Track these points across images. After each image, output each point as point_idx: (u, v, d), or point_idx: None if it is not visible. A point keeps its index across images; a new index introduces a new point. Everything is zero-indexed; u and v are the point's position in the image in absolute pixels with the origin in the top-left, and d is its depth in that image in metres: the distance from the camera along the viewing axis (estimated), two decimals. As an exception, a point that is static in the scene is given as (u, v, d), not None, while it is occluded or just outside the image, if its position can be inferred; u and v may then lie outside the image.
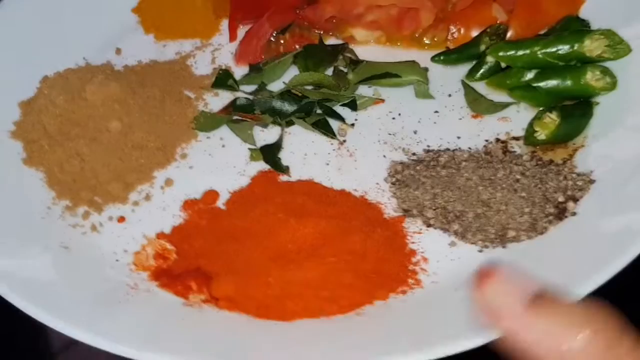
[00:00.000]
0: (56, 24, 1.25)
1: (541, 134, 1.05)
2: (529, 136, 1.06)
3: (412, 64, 1.14)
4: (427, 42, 1.21)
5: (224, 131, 1.13)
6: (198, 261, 0.98)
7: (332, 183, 1.06)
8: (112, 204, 1.06)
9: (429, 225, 1.00)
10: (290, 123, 1.13)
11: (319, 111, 1.13)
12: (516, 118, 1.11)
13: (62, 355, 1.05)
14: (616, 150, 1.01)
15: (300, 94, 1.13)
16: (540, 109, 1.08)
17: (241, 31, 1.25)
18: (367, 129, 1.12)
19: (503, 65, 1.13)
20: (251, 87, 1.18)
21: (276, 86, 1.16)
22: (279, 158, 1.09)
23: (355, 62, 1.16)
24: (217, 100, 1.17)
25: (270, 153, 1.09)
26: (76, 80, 1.14)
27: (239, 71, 1.20)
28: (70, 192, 1.07)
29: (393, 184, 1.05)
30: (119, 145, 1.09)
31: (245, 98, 1.15)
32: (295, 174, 1.08)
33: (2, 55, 1.19)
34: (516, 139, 1.08)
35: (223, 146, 1.12)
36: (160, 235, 1.02)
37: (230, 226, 1.01)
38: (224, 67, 1.21)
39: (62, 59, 1.21)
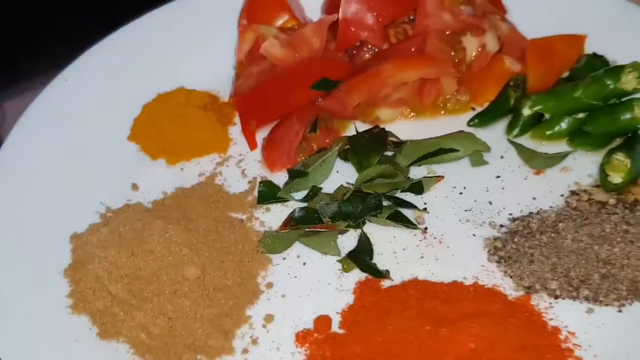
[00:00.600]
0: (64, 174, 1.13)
1: (616, 177, 1.06)
2: (605, 183, 1.06)
3: (465, 134, 1.11)
4: (450, 107, 1.18)
5: (297, 248, 1.05)
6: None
7: (438, 276, 1.01)
8: (219, 358, 0.95)
9: (556, 297, 0.97)
10: (363, 223, 1.06)
11: (386, 203, 1.06)
12: (575, 166, 1.10)
13: None
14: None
15: (361, 191, 1.07)
16: (605, 152, 1.09)
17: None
18: (442, 210, 1.08)
19: (544, 115, 1.14)
20: (299, 193, 1.10)
21: (328, 186, 1.11)
22: (374, 263, 1.02)
23: (398, 144, 1.12)
24: (270, 215, 1.09)
25: (362, 260, 1.02)
26: (128, 232, 1.02)
27: (275, 179, 1.13)
28: (168, 358, 0.95)
29: (499, 262, 1.01)
30: (201, 292, 0.99)
31: (304, 208, 1.07)
32: (395, 276, 1.01)
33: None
34: (594, 187, 1.08)
35: (304, 264, 1.04)
36: (291, 380, 0.93)
37: (361, 351, 0.94)
38: (259, 179, 1.12)
39: (78, 211, 1.09)
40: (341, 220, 1.05)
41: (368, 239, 1.05)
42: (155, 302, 0.97)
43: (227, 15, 1.29)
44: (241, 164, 1.16)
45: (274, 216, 1.09)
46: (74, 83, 1.21)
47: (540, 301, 0.98)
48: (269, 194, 1.10)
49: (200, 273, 0.99)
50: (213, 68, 1.26)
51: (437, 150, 1.10)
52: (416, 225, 1.06)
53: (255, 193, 1.11)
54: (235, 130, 1.20)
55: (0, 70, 1.21)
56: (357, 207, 1.06)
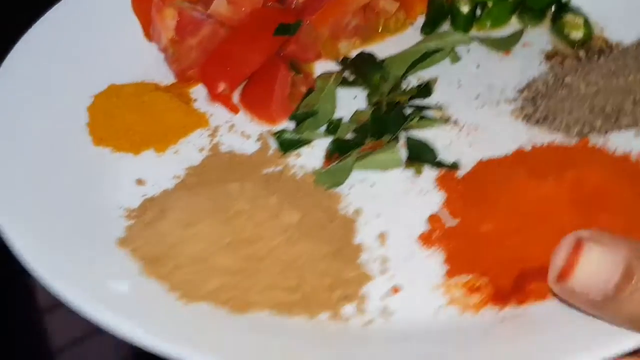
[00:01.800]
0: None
1: (577, 33, 1.14)
2: (569, 41, 1.14)
3: (439, 35, 1.14)
4: (392, 27, 1.19)
5: (355, 176, 0.98)
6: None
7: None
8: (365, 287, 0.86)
9: (605, 132, 1.02)
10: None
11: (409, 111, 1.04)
12: (532, 39, 1.17)
13: (62, 355, 0.99)
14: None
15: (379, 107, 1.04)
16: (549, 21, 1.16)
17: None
18: (454, 105, 1.08)
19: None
20: (316, 133, 1.04)
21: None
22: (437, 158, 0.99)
23: (379, 64, 1.10)
24: (304, 159, 1.02)
25: (428, 157, 0.99)
26: (203, 202, 0.89)
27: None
28: (318, 306, 0.84)
29: (541, 124, 1.04)
30: (310, 233, 0.90)
31: (336, 140, 1.01)
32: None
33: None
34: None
35: (372, 185, 0.98)
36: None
37: (490, 228, 0.91)
38: (265, 134, 1.03)
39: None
40: (384, 133, 1.00)
41: (418, 140, 1.01)
42: (273, 257, 0.85)
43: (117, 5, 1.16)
44: (234, 128, 1.05)
45: (308, 159, 1.01)
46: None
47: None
48: (289, 141, 1.02)
49: (300, 215, 0.89)
50: (131, 60, 1.13)
51: (423, 55, 1.10)
52: (448, 119, 1.04)
53: (273, 146, 1.02)
54: (200, 106, 1.09)
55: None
56: (389, 119, 1.02)
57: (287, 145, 1.01)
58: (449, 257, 0.89)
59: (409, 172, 0.99)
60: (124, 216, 0.93)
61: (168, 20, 1.12)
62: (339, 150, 1.00)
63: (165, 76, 1.12)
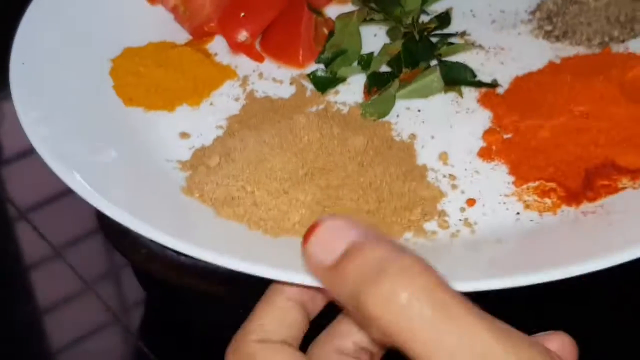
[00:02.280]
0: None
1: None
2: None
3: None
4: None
5: (400, 105, 0.99)
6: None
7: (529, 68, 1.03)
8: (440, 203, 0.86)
9: (623, 41, 1.05)
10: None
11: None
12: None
13: (62, 355, 0.98)
14: None
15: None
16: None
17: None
18: (475, 30, 1.09)
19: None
20: (350, 69, 1.03)
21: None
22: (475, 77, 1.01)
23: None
24: (343, 96, 1.01)
25: (466, 78, 1.00)
26: (272, 139, 0.87)
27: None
28: (400, 224, 0.84)
29: (561, 40, 1.06)
30: (378, 156, 0.89)
31: (372, 74, 1.01)
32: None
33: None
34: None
35: (419, 110, 0.98)
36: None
37: (545, 134, 0.93)
38: (297, 77, 1.03)
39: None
40: (415, 64, 1.01)
41: (453, 62, 1.02)
42: (350, 183, 0.85)
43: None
44: (264, 76, 1.04)
45: (346, 96, 1.01)
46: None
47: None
48: (325, 79, 1.02)
49: (366, 139, 0.88)
50: (140, 24, 1.10)
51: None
52: (473, 44, 1.05)
53: (310, 87, 1.01)
54: (222, 58, 1.07)
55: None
56: (421, 47, 1.02)
57: (324, 84, 1.01)
58: (512, 168, 0.90)
59: (451, 95, 0.99)
60: (178, 168, 0.91)
61: (174, -22, 1.10)
62: (378, 83, 1.00)
63: (178, 35, 1.09)
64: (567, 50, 1.05)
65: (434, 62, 1.02)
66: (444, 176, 0.90)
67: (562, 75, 0.97)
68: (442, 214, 0.85)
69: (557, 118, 0.92)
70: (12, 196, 1.20)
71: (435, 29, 1.06)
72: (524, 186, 0.88)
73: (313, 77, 1.01)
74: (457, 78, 0.99)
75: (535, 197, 0.86)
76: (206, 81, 1.03)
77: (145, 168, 0.90)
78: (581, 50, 1.05)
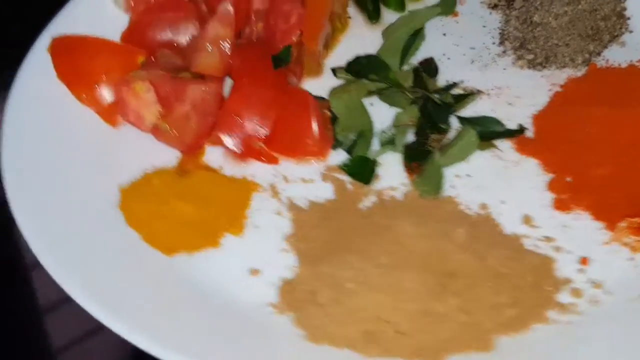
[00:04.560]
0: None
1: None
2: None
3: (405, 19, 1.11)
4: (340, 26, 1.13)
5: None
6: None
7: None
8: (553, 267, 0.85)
9: (599, 54, 1.08)
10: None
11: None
12: None
13: (62, 355, 0.97)
14: None
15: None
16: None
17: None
18: (464, 77, 1.06)
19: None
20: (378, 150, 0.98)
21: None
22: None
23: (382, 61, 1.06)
24: (385, 181, 0.95)
25: (493, 130, 0.98)
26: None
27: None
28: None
29: (547, 67, 1.07)
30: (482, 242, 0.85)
31: (408, 147, 0.97)
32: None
33: None
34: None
35: (468, 176, 0.95)
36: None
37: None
38: (327, 172, 0.96)
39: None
40: (437, 127, 0.97)
41: (476, 118, 0.99)
42: (478, 279, 0.81)
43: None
44: (289, 178, 0.95)
45: (388, 178, 0.95)
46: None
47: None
48: (361, 169, 0.96)
49: (463, 228, 0.84)
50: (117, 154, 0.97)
51: (409, 40, 1.06)
52: (478, 92, 1.03)
53: (347, 180, 0.94)
54: (230, 171, 0.97)
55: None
56: (439, 108, 0.98)
57: (364, 175, 0.95)
58: (595, 213, 0.89)
59: (487, 153, 0.96)
60: (272, 312, 0.81)
61: (143, 95, 0.98)
62: (416, 157, 0.95)
63: (159, 156, 0.98)
64: (556, 75, 1.06)
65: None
66: (540, 240, 0.87)
67: (590, 108, 0.96)
68: (566, 281, 0.83)
69: (609, 152, 0.92)
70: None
71: (447, 88, 1.02)
72: (617, 226, 0.87)
73: (348, 170, 0.95)
74: (491, 132, 0.97)
75: (634, 237, 0.86)
76: (235, 202, 0.93)
77: (230, 322, 0.80)
78: (567, 71, 1.05)
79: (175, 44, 1.05)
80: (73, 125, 0.98)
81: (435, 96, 0.99)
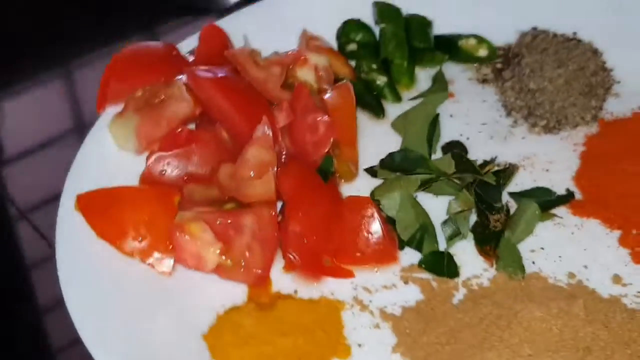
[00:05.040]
0: None
1: (482, 51, 1.22)
2: (480, 59, 1.21)
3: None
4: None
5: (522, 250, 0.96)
6: None
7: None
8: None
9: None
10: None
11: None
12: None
13: (62, 355, 1.00)
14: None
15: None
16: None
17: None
18: (490, 153, 1.08)
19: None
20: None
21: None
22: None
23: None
24: (467, 269, 0.95)
25: (550, 200, 1.01)
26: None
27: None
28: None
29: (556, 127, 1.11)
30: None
31: (475, 233, 0.98)
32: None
33: None
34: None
35: (542, 248, 0.97)
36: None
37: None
38: (404, 274, 0.95)
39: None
40: (491, 206, 0.99)
41: (527, 191, 1.01)
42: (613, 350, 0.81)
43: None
44: (369, 288, 0.94)
45: (467, 267, 0.95)
46: None
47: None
48: (440, 263, 0.95)
49: (579, 299, 0.85)
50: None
51: (431, 125, 1.08)
52: (514, 166, 1.05)
53: (431, 278, 0.94)
54: (306, 294, 0.94)
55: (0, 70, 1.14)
56: (490, 189, 0.99)
57: (446, 268, 0.94)
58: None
59: (549, 222, 0.98)
60: None
61: (200, 236, 0.94)
62: (488, 241, 0.96)
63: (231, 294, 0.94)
64: (573, 135, 1.09)
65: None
66: (637, 296, 0.89)
67: (625, 163, 1.02)
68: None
69: None
70: (13, 196, 1.17)
71: (486, 166, 1.03)
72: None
73: (428, 267, 0.95)
74: (546, 201, 0.99)
75: None
76: (329, 325, 0.90)
77: None
78: (581, 129, 1.09)
79: (199, 176, 1.03)
80: (127, 283, 0.93)
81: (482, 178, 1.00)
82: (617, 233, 0.96)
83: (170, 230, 0.95)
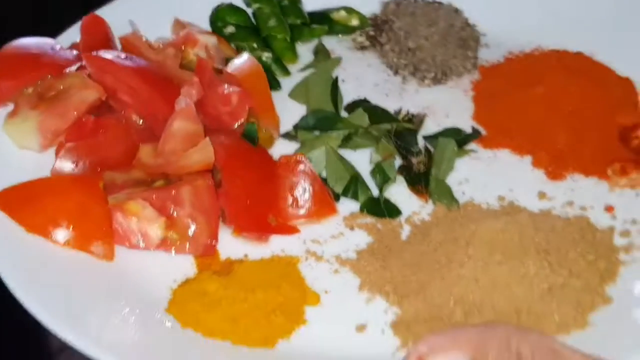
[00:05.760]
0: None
1: (354, 20, 1.27)
2: (353, 28, 1.27)
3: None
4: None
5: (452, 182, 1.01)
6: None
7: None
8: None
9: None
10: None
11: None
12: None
13: (62, 356, 0.99)
14: None
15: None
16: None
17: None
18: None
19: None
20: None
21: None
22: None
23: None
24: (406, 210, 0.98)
25: (463, 138, 1.06)
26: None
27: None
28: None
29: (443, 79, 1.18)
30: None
31: (406, 177, 1.02)
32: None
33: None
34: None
35: (466, 180, 1.02)
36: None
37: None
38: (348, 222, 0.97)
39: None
40: (410, 151, 1.04)
41: (438, 133, 1.07)
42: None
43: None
44: (319, 241, 0.95)
45: (406, 209, 0.99)
46: None
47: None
48: (379, 207, 0.98)
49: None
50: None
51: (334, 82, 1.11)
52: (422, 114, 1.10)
53: (373, 221, 0.97)
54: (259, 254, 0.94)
55: None
56: (404, 137, 1.05)
57: (387, 210, 0.98)
58: (584, 171, 1.02)
59: (466, 158, 1.05)
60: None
61: (142, 213, 0.91)
62: (417, 182, 1.01)
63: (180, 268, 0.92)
64: (460, 83, 1.16)
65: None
66: (564, 207, 0.97)
67: (513, 96, 1.12)
68: (611, 229, 0.93)
69: (556, 121, 1.07)
70: None
71: (398, 115, 1.08)
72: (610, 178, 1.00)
73: (372, 210, 0.98)
74: (460, 140, 1.05)
75: (625, 177, 0.99)
76: (292, 278, 0.91)
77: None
78: (465, 77, 1.17)
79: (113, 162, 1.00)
80: (75, 276, 0.89)
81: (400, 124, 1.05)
82: (528, 158, 1.03)
83: (103, 214, 0.92)
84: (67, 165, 0.98)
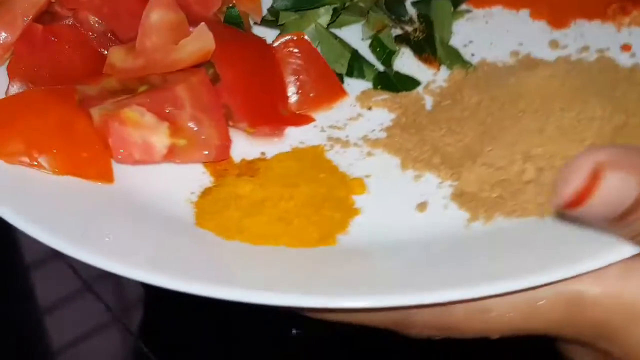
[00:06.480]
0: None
1: None
2: None
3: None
4: None
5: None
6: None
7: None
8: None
9: None
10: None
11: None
12: None
13: (62, 356, 1.04)
14: None
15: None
16: None
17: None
18: None
19: None
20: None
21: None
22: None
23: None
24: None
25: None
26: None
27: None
28: None
29: None
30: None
31: (410, 45, 0.93)
32: None
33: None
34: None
35: (473, 55, 0.94)
36: None
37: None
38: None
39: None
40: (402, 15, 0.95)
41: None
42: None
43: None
44: (338, 127, 0.85)
45: (418, 75, 0.91)
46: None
47: None
48: (392, 81, 0.89)
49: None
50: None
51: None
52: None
53: (390, 97, 0.88)
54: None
55: None
56: (392, 5, 0.95)
57: (403, 83, 0.89)
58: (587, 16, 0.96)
59: (462, 20, 0.97)
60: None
61: (141, 121, 0.79)
62: (422, 50, 0.93)
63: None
64: None
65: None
66: (578, 52, 0.92)
67: None
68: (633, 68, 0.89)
69: None
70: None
71: None
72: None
73: (386, 85, 0.89)
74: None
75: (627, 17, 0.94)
76: (325, 168, 0.80)
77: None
78: None
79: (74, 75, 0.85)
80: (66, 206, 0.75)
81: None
82: (525, 11, 0.97)
83: (92, 131, 0.78)
84: (22, 81, 0.84)
